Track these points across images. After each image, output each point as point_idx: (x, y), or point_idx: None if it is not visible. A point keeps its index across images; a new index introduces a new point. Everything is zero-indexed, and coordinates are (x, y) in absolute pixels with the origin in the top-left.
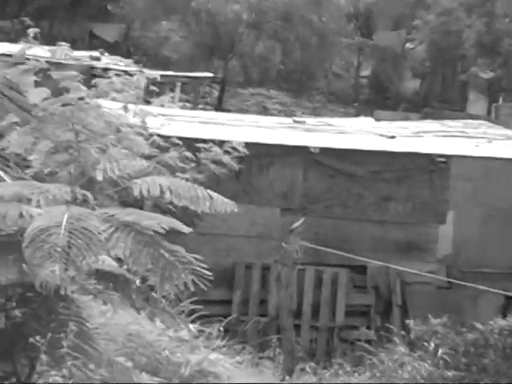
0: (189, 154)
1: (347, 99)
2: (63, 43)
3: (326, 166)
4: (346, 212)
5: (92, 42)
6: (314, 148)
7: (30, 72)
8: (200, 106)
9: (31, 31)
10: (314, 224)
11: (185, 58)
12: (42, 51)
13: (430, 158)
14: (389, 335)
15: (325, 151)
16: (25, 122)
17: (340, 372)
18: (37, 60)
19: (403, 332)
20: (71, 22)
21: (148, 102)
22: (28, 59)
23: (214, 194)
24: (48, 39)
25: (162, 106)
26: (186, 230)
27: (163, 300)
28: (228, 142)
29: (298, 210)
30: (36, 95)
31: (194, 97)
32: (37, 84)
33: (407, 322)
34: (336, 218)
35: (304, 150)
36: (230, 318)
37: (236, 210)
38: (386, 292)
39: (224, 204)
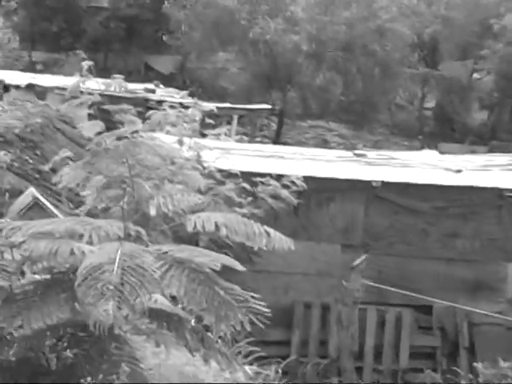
0: (246, 188)
1: (411, 132)
2: (118, 75)
3: (388, 201)
4: (409, 249)
5: (147, 73)
6: (376, 182)
7: (84, 105)
8: (258, 139)
9: (85, 64)
10: (376, 261)
11: (242, 90)
12: (96, 84)
13: (498, 193)
14: (455, 379)
15: (387, 185)
16: (78, 157)
17: None
18: (91, 93)
19: (471, 375)
20: (126, 53)
21: (204, 135)
22: (82, 92)
23: (272, 231)
24: (102, 71)
25: (218, 139)
26: (242, 268)
27: (219, 340)
28: (286, 175)
29: (359, 246)
30: (90, 129)
31: (251, 129)
32: (91, 117)
33: (475, 364)
34: (399, 256)
35: (365, 184)
36: (288, 359)
37: (293, 247)
38: (452, 333)
39: (282, 241)
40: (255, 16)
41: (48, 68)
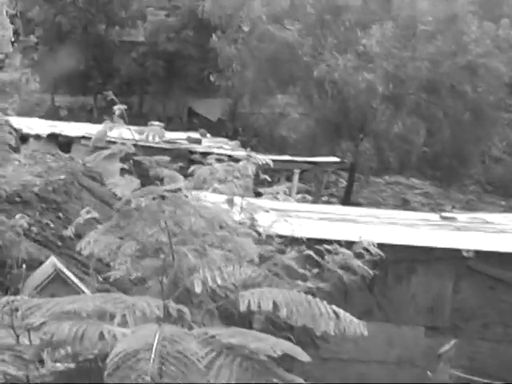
0: (310, 258)
1: (509, 189)
2: (156, 122)
3: (482, 274)
4: (509, 332)
5: (191, 120)
6: (468, 251)
7: (115, 158)
8: (323, 199)
9: (117, 108)
10: (467, 347)
11: (305, 139)
12: (129, 132)
13: None
14: None
15: (481, 255)
16: (106, 219)
17: None
18: (123, 143)
19: None
20: (166, 96)
21: (258, 194)
22: (113, 142)
23: (341, 311)
24: (138, 118)
25: (276, 198)
26: (305, 357)
27: None
28: (359, 242)
29: (447, 329)
30: (122, 186)
31: (316, 187)
32: (123, 172)
33: None
34: (496, 340)
35: (455, 253)
36: None
37: (366, 333)
38: None
39: (353, 324)
40: (321, 51)
41: (73, 114)
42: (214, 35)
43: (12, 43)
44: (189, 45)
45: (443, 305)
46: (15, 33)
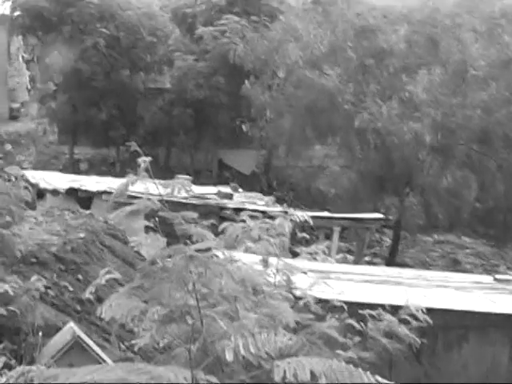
0: (352, 324)
1: None
2: (183, 176)
3: None
4: None
5: (222, 173)
6: None
7: (139, 214)
8: (366, 259)
9: (141, 161)
10: None
11: (345, 194)
12: (154, 187)
13: None
14: None
15: None
16: (129, 281)
17: None
18: (148, 199)
19: None
20: (194, 148)
21: (295, 254)
22: (137, 197)
23: (386, 382)
24: (164, 171)
25: (315, 258)
26: None
27: None
28: (405, 307)
29: None
30: (146, 244)
31: (357, 246)
32: (148, 230)
33: None
34: None
35: (510, 319)
36: None
37: None
38: None
39: None
40: (362, 98)
41: (94, 167)
42: (246, 82)
43: (28, 91)
44: (219, 92)
45: (498, 376)
46: (32, 80)
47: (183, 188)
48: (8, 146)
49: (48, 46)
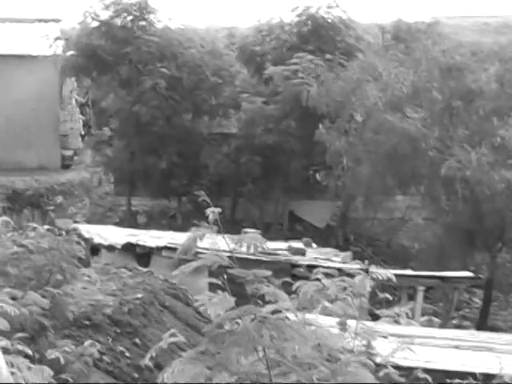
0: None
1: None
2: (252, 230)
3: None
4: None
5: (293, 227)
6: None
7: (204, 271)
8: (454, 322)
9: (210, 212)
10: None
11: (431, 250)
12: (221, 241)
13: None
14: None
15: None
16: (193, 345)
17: None
18: (215, 254)
19: None
20: (263, 199)
21: (375, 316)
22: (201, 253)
23: None
24: (230, 224)
25: (397, 321)
26: None
27: None
28: (498, 376)
29: None
30: (212, 305)
31: (444, 307)
32: (214, 288)
33: None
34: None
35: None
36: None
37: None
38: None
39: None
40: (449, 144)
41: (153, 220)
42: (320, 126)
43: (82, 137)
44: (291, 137)
45: None
46: (86, 125)
47: (257, 244)
48: (59, 198)
49: (103, 88)
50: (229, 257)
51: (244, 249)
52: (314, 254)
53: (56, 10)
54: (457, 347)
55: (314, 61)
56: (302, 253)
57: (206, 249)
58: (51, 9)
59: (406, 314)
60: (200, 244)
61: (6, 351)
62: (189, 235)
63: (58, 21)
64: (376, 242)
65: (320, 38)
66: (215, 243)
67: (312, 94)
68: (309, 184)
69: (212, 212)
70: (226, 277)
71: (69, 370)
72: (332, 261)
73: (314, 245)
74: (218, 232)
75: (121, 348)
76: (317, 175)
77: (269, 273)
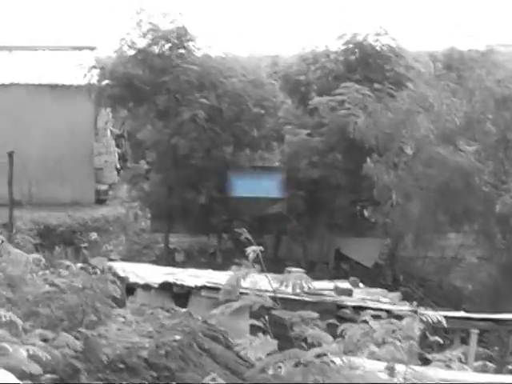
0: None
1: None
2: (295, 269)
3: None
4: None
5: (339, 265)
6: None
7: (245, 312)
8: (510, 367)
9: (251, 250)
10: None
11: (485, 291)
12: (263, 281)
13: None
14: None
15: None
16: None
17: None
18: (257, 294)
19: None
20: (307, 236)
21: (426, 361)
22: (242, 293)
23: None
24: (273, 262)
25: (449, 366)
26: None
27: None
28: None
29: None
30: (254, 348)
31: (499, 352)
32: (256, 332)
33: None
34: None
35: None
36: None
37: None
38: None
39: None
40: (504, 179)
41: (192, 258)
42: (368, 159)
43: (117, 171)
44: (337, 171)
45: None
46: (121, 158)
47: (301, 284)
48: (94, 234)
49: (140, 120)
50: (271, 297)
51: (289, 289)
52: (361, 295)
53: (91, 37)
54: None
55: (362, 91)
56: (348, 293)
57: (247, 289)
58: (86, 36)
59: (459, 358)
60: (245, 283)
61: None
62: (231, 275)
63: (93, 49)
64: (427, 283)
65: (368, 66)
66: (257, 283)
67: (359, 125)
68: (356, 220)
69: (253, 250)
70: (267, 318)
71: None
72: (380, 302)
73: (361, 285)
74: (260, 271)
75: None
76: (364, 211)
77: (315, 314)
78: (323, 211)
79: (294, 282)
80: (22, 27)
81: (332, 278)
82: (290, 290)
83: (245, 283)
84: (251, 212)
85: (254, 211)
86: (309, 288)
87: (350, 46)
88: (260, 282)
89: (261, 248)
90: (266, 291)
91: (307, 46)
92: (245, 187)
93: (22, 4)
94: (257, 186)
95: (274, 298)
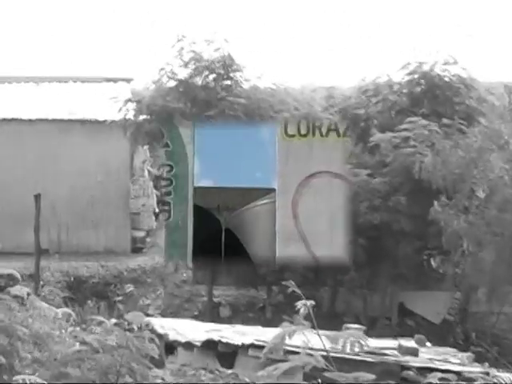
0: None
1: None
2: (353, 325)
3: None
4: None
5: (403, 322)
6: None
7: (296, 373)
8: None
9: (301, 305)
10: None
11: None
12: (317, 339)
13: None
14: None
15: None
16: None
17: None
18: (309, 354)
19: None
20: (367, 288)
21: None
22: (294, 352)
23: None
24: (328, 318)
25: None
26: None
27: None
28: None
29: None
30: None
31: None
32: None
33: None
34: None
35: None
36: None
37: None
38: None
39: None
40: None
41: (238, 313)
42: (435, 203)
43: (156, 216)
44: (400, 216)
45: None
46: (160, 201)
47: (356, 342)
48: (129, 287)
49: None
50: (324, 357)
51: (347, 348)
52: (428, 355)
53: (127, 67)
54: None
55: (429, 126)
56: (413, 353)
57: (298, 347)
58: (121, 67)
59: None
60: (291, 342)
61: None
62: (277, 332)
63: (129, 80)
64: (502, 341)
65: (435, 99)
66: (309, 341)
67: (426, 165)
68: (422, 271)
69: (303, 305)
70: (321, 381)
71: None
72: (449, 363)
73: (428, 343)
74: (312, 328)
75: None
76: (431, 261)
77: (372, 376)
78: (385, 261)
79: (351, 340)
80: (49, 57)
81: (395, 335)
82: (348, 349)
83: (296, 341)
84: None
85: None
86: (367, 347)
87: (416, 76)
88: (313, 340)
89: (312, 302)
90: (320, 350)
91: (367, 76)
92: None
93: (48, 33)
94: None
95: (327, 358)
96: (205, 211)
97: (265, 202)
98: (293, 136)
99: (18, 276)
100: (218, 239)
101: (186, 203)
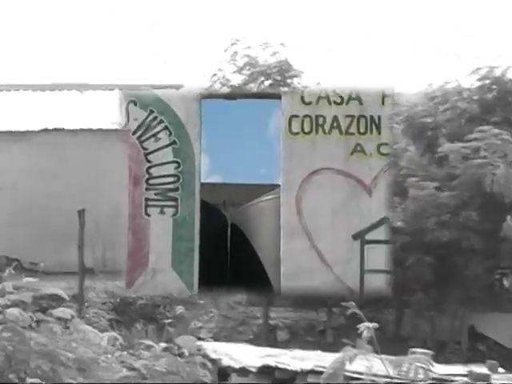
0: None
1: None
2: (420, 350)
3: None
4: None
5: (474, 346)
6: None
7: None
8: None
9: (363, 328)
10: None
11: None
12: (379, 363)
13: None
14: None
15: None
16: None
17: None
18: (372, 380)
19: None
20: (435, 310)
21: None
22: (357, 378)
23: None
24: (393, 342)
25: None
26: None
27: None
28: None
29: None
30: None
31: None
32: None
33: None
34: None
35: None
36: None
37: None
38: None
39: None
40: None
41: (297, 337)
42: (508, 218)
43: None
44: (471, 232)
45: None
46: None
47: (421, 367)
48: (180, 308)
49: None
50: None
51: (411, 375)
52: (501, 381)
53: (177, 74)
54: None
55: (501, 136)
56: (485, 379)
57: (361, 373)
58: (171, 74)
59: None
60: (352, 367)
61: None
62: (336, 357)
63: (179, 87)
64: None
65: (508, 106)
66: (372, 366)
67: (498, 177)
68: (494, 292)
69: (366, 328)
70: None
71: None
72: None
73: (502, 369)
74: (375, 352)
75: None
76: (504, 281)
77: None
78: (455, 281)
79: (415, 366)
80: (91, 64)
81: (466, 360)
82: (411, 375)
83: (358, 367)
84: None
85: None
86: (435, 373)
87: (487, 81)
88: (376, 366)
89: (375, 325)
90: (384, 377)
91: (434, 81)
92: None
93: (90, 40)
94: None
95: None
96: (211, 207)
97: (269, 197)
98: (297, 134)
99: (65, 295)
100: (224, 233)
101: (193, 199)
